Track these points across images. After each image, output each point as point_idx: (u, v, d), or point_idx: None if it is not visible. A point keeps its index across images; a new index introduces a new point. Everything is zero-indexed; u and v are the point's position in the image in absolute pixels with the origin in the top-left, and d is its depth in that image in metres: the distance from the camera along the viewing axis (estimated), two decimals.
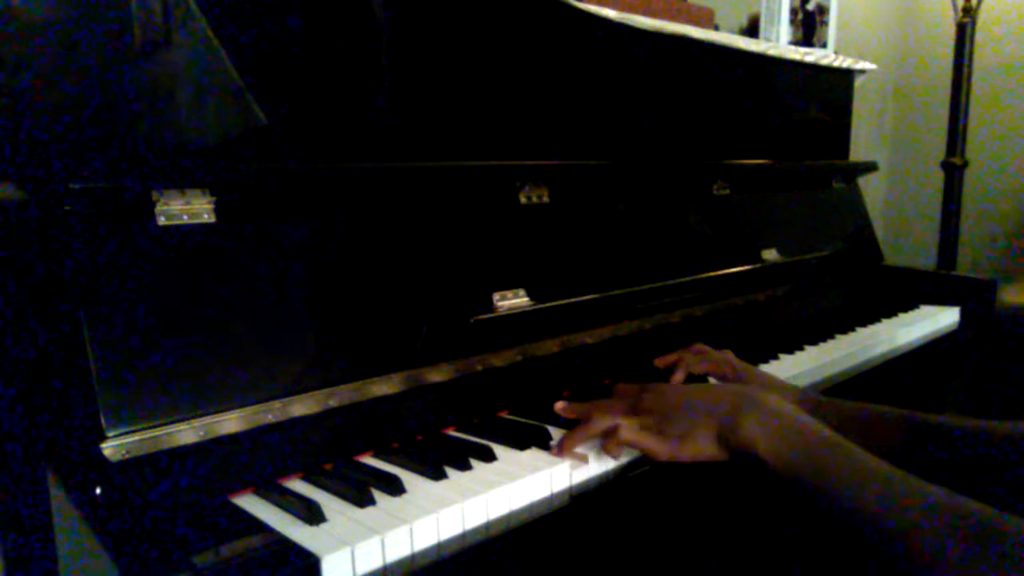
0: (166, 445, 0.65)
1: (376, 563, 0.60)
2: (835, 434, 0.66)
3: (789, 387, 0.90)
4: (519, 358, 0.92)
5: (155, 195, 0.70)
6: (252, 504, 0.67)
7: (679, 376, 0.94)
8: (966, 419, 0.76)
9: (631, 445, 0.75)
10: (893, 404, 0.81)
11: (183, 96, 0.77)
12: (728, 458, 0.71)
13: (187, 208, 0.72)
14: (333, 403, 0.75)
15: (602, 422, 0.76)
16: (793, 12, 1.71)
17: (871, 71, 1.69)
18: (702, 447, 0.72)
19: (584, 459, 0.75)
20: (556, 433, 0.81)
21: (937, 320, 1.42)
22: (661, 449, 0.73)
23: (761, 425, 0.69)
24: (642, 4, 1.27)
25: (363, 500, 0.65)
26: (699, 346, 0.98)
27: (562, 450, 0.76)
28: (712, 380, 0.95)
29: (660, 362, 0.97)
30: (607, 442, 0.75)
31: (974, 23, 2.18)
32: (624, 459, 0.78)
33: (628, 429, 0.75)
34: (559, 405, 0.83)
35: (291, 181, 0.81)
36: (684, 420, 0.73)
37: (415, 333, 0.83)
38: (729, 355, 0.95)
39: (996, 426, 0.73)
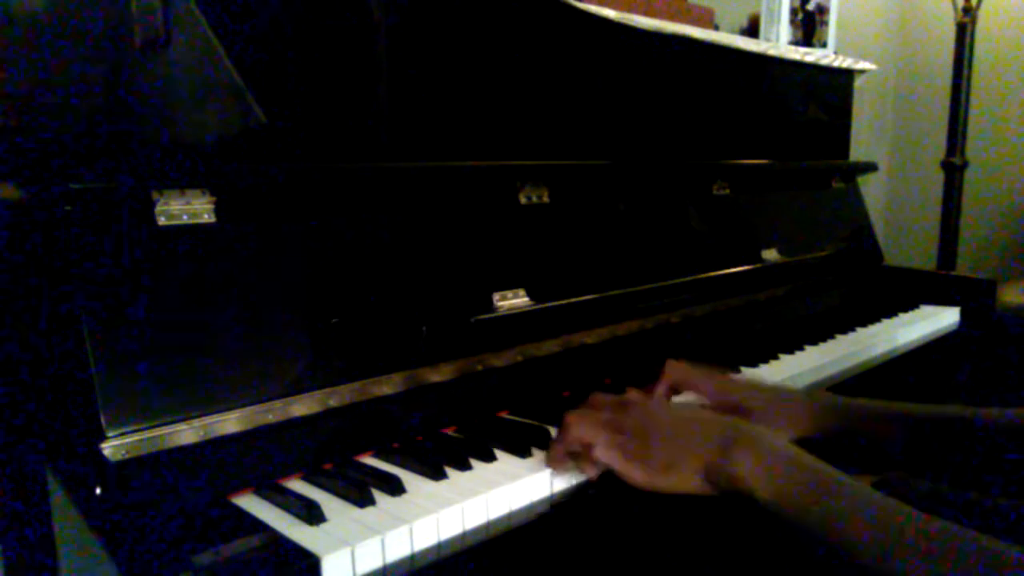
0: (166, 445, 0.65)
1: (376, 563, 0.60)
2: (838, 472, 0.62)
3: (790, 390, 0.88)
4: (519, 358, 0.92)
5: (155, 195, 0.70)
6: (252, 504, 0.67)
7: (661, 389, 0.86)
8: (975, 408, 0.74)
9: (606, 465, 0.70)
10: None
11: (183, 96, 0.77)
12: (713, 493, 0.66)
13: (187, 208, 0.72)
14: (333, 403, 0.75)
15: (576, 432, 0.71)
16: (793, 12, 1.71)
17: (871, 71, 1.69)
18: (686, 481, 0.67)
19: (571, 471, 0.74)
20: (556, 433, 0.80)
21: (937, 320, 1.42)
22: (640, 477, 0.68)
23: (757, 463, 0.64)
24: (642, 4, 1.27)
25: (363, 500, 0.65)
26: (675, 366, 0.88)
27: (551, 463, 0.73)
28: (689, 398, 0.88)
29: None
30: (580, 459, 0.71)
31: (974, 23, 2.18)
32: None
33: (604, 447, 0.70)
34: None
35: (291, 181, 0.81)
36: (668, 448, 0.68)
37: (415, 333, 0.83)
38: (720, 375, 0.87)
39: (1007, 413, 0.72)
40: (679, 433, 0.69)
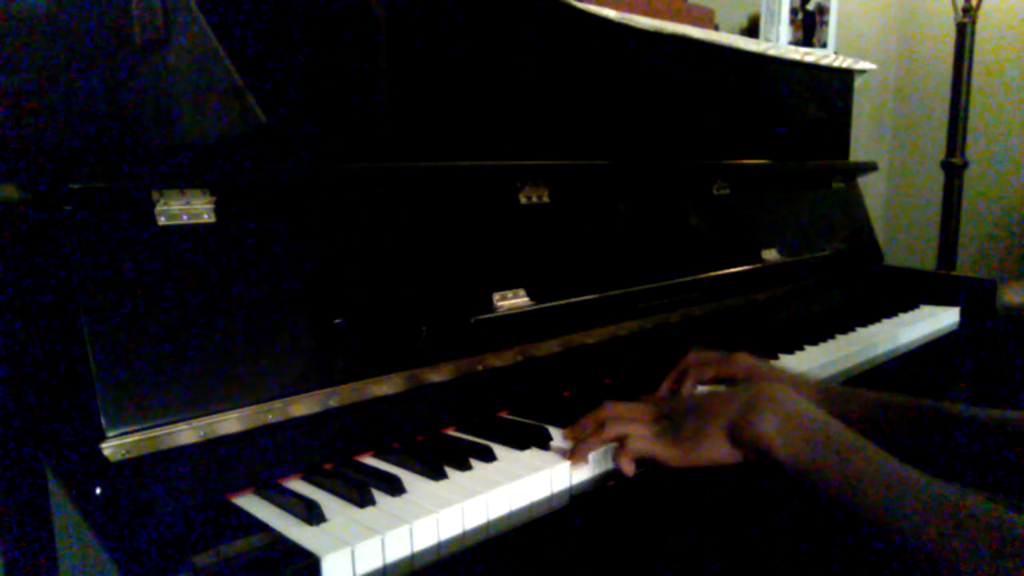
0: (166, 445, 0.65)
1: (376, 563, 0.60)
2: (858, 434, 0.64)
3: (803, 378, 0.88)
4: (519, 358, 0.92)
5: (155, 195, 0.70)
6: (252, 504, 0.67)
7: (688, 386, 0.90)
8: (979, 408, 0.75)
9: (640, 455, 0.73)
10: None
11: (183, 96, 0.77)
12: (742, 459, 0.69)
13: (187, 208, 0.72)
14: (333, 403, 0.75)
15: (613, 430, 0.74)
16: (793, 12, 1.71)
17: (871, 71, 1.69)
18: (714, 449, 0.69)
19: (585, 460, 0.75)
20: (556, 433, 0.81)
21: (937, 320, 1.42)
22: (671, 455, 0.71)
23: (777, 423, 0.66)
24: (642, 4, 1.27)
25: (363, 500, 0.65)
26: (696, 354, 0.94)
27: (575, 456, 0.74)
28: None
29: (667, 385, 0.92)
30: (617, 455, 0.73)
31: (974, 23, 2.18)
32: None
33: (637, 439, 0.73)
34: (569, 442, 0.78)
35: (291, 181, 0.81)
36: (695, 423, 0.71)
37: (415, 333, 0.83)
38: (739, 355, 0.90)
39: (1009, 415, 0.72)
40: (706, 406, 0.72)
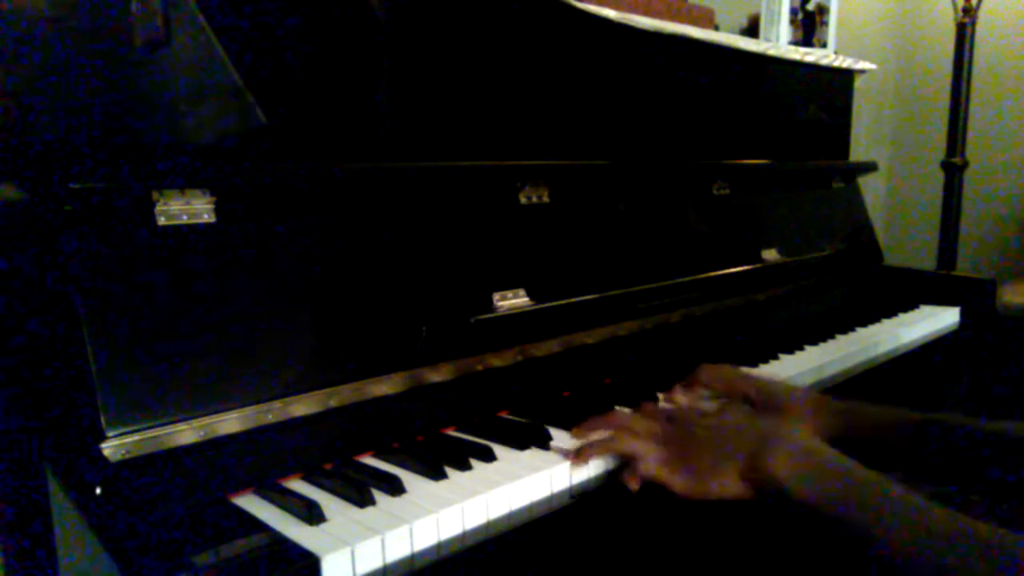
0: (166, 445, 0.65)
1: (376, 563, 0.60)
2: (872, 471, 0.64)
3: (809, 393, 0.88)
4: (519, 358, 0.92)
5: (155, 195, 0.70)
6: (252, 504, 0.67)
7: (695, 396, 0.89)
8: (982, 420, 0.75)
9: (650, 479, 0.72)
10: (893, 404, 0.81)
11: (183, 96, 0.77)
12: (753, 496, 0.68)
13: (187, 208, 0.72)
14: (333, 403, 0.75)
15: (624, 445, 0.74)
16: (793, 12, 1.71)
17: (871, 71, 1.69)
18: (726, 484, 0.69)
19: (587, 463, 0.75)
20: (556, 433, 0.81)
21: (937, 320, 1.42)
22: (683, 486, 0.71)
23: (791, 461, 0.66)
24: (642, 4, 1.27)
25: (363, 500, 0.65)
26: (710, 367, 0.92)
27: (579, 458, 0.74)
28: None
29: (675, 392, 0.91)
30: (626, 473, 0.73)
31: (974, 23, 2.18)
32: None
33: (648, 462, 0.72)
34: (576, 442, 0.78)
35: (291, 181, 0.81)
36: (708, 455, 0.71)
37: (415, 333, 0.83)
38: (752, 375, 0.90)
39: (1014, 426, 0.72)
40: (720, 439, 0.71)
